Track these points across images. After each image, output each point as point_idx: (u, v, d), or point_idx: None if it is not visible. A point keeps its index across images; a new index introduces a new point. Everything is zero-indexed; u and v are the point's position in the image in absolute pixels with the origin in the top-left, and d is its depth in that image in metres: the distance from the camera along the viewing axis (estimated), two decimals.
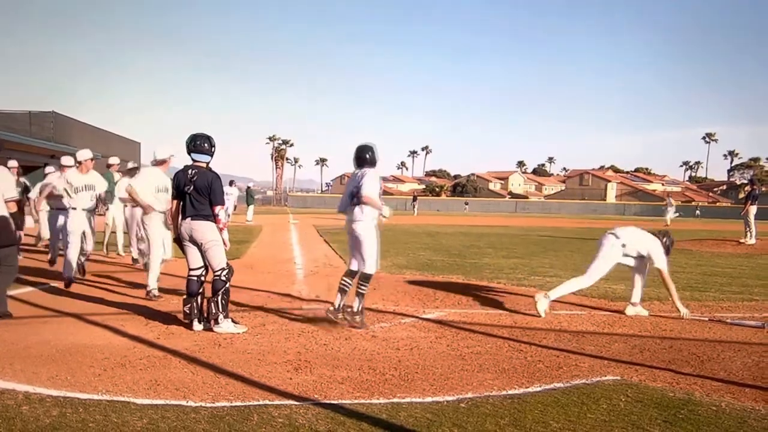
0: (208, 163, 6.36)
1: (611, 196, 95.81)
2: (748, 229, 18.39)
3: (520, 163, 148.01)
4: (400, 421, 3.89)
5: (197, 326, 6.18)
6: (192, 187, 6.15)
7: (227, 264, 6.25)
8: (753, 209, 18.05)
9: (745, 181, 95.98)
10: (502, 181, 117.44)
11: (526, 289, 9.37)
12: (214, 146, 6.37)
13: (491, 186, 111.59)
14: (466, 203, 66.91)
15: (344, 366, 5.10)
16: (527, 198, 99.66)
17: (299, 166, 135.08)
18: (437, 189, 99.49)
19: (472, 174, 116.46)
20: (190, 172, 6.21)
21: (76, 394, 4.25)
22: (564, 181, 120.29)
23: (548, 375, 4.93)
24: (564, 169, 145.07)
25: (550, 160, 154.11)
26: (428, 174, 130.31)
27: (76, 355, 5.26)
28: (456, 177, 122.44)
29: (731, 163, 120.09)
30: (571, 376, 4.89)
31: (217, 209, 6.18)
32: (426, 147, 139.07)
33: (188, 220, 6.18)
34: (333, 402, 4.21)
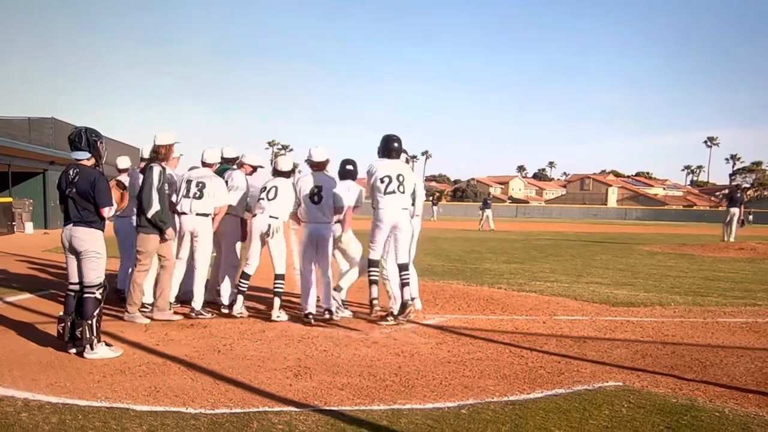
0: (94, 160, 5.57)
1: (612, 201, 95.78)
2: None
3: (521, 168, 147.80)
4: (401, 427, 3.87)
5: (72, 349, 5.46)
6: (74, 189, 5.44)
7: (104, 281, 5.59)
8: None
9: (747, 186, 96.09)
10: (503, 186, 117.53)
11: (527, 294, 9.35)
12: (92, 140, 5.53)
13: (491, 191, 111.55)
14: (481, 207, 66.51)
15: (344, 372, 5.08)
16: (528, 203, 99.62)
17: (299, 171, 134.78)
18: (438, 194, 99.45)
19: (473, 179, 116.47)
20: (71, 172, 5.50)
21: (75, 400, 4.23)
22: (565, 186, 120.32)
23: (550, 381, 4.91)
24: (565, 173, 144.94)
25: (551, 164, 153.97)
26: (428, 179, 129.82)
27: (75, 361, 5.24)
28: (456, 182, 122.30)
29: (733, 167, 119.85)
30: (573, 382, 4.87)
31: (105, 211, 5.50)
32: (426, 152, 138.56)
33: (70, 225, 5.51)
34: (333, 408, 4.19)
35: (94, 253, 5.48)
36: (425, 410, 4.18)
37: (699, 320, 7.54)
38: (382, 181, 6.52)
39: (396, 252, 6.76)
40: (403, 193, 6.58)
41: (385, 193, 6.53)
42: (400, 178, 6.55)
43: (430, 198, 49.84)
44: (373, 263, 6.72)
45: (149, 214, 6.68)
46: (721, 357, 5.76)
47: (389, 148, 6.79)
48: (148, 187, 6.69)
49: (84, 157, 5.53)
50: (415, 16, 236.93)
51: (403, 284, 6.68)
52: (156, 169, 6.73)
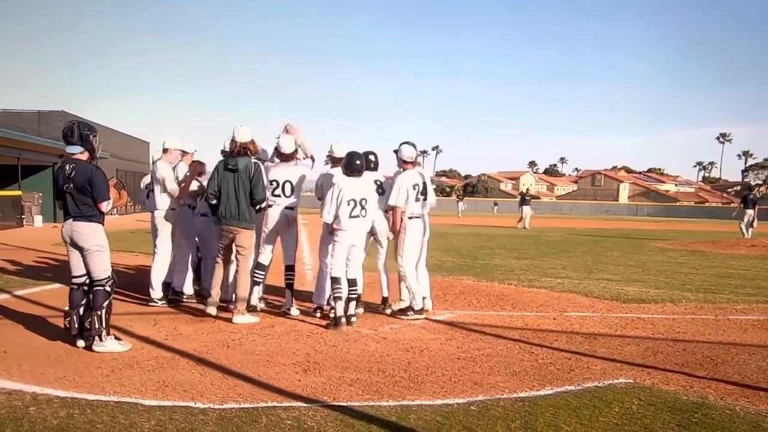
0: (89, 154, 5.60)
1: (624, 197, 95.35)
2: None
3: (532, 164, 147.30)
4: (410, 423, 3.86)
5: (80, 343, 5.47)
6: (71, 185, 5.43)
7: (112, 273, 5.60)
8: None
9: (760, 182, 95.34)
10: (514, 182, 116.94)
11: (537, 290, 9.31)
12: (86, 134, 5.51)
13: (502, 186, 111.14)
14: (495, 203, 66.01)
15: (353, 368, 5.07)
16: (539, 198, 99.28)
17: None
18: (448, 189, 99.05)
19: (483, 174, 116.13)
20: (67, 168, 5.49)
21: (83, 395, 4.25)
22: (576, 182, 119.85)
23: (560, 378, 4.88)
24: (576, 169, 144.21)
25: (562, 160, 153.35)
26: (439, 174, 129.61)
27: (83, 355, 5.27)
28: (467, 177, 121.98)
29: (745, 163, 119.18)
30: (583, 379, 4.84)
31: (103, 206, 5.47)
32: (436, 147, 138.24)
33: (70, 221, 5.51)
34: (342, 404, 4.18)
35: (97, 247, 5.51)
36: (434, 406, 4.17)
37: (710, 317, 7.49)
38: (349, 204, 6.54)
39: (348, 267, 6.75)
40: (365, 217, 6.73)
41: (350, 216, 6.57)
42: (363, 203, 6.65)
43: (456, 194, 50.33)
44: (336, 281, 6.59)
45: (262, 206, 6.79)
46: (733, 354, 5.72)
47: (353, 166, 6.69)
48: (261, 182, 6.65)
49: (77, 151, 5.54)
50: (427, 12, 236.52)
51: (349, 298, 6.69)
52: (261, 166, 6.73)
